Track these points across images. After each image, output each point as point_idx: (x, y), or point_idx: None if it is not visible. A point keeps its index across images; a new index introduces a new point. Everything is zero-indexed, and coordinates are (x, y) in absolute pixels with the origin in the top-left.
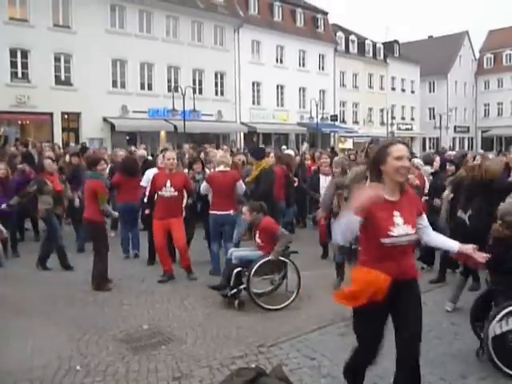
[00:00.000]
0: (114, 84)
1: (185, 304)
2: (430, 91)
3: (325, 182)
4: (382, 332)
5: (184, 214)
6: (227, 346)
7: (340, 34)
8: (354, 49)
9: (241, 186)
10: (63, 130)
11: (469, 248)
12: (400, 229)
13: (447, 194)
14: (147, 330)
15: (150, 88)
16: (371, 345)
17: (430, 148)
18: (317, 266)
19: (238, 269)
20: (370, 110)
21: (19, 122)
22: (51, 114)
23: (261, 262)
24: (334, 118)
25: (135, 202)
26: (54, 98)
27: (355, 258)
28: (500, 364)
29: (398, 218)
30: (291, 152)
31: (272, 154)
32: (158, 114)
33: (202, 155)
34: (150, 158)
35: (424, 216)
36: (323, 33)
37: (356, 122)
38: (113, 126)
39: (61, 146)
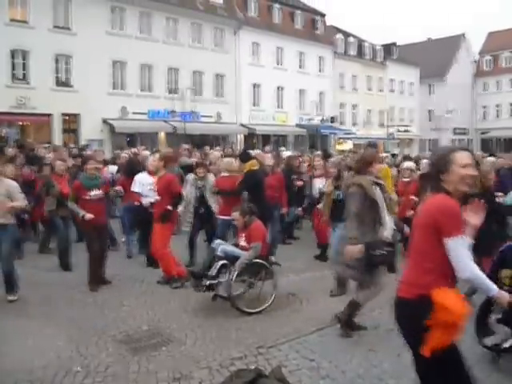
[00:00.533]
0: (114, 85)
1: (184, 305)
2: (429, 93)
3: (318, 183)
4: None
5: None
6: (226, 347)
7: (339, 36)
8: (352, 51)
9: None
10: (63, 131)
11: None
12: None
13: None
14: (147, 330)
15: (149, 89)
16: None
17: (428, 150)
18: (315, 267)
19: (224, 261)
20: (369, 111)
21: (19, 123)
22: (51, 116)
23: (245, 263)
24: (332, 119)
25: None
26: (54, 99)
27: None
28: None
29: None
30: (289, 153)
31: (269, 155)
32: (157, 115)
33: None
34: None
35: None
36: (322, 35)
37: (355, 124)
38: (112, 128)
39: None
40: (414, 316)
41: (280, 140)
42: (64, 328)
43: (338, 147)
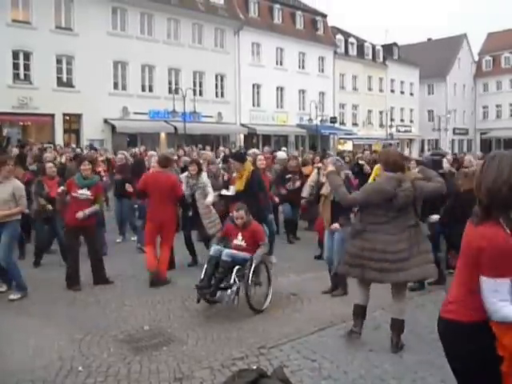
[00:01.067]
0: (115, 86)
1: (186, 305)
2: (429, 93)
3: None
4: None
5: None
6: (228, 347)
7: (339, 36)
8: (353, 51)
9: None
10: (64, 131)
11: None
12: None
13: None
14: (148, 330)
15: (150, 90)
16: None
17: (428, 150)
18: (316, 267)
19: (238, 266)
20: (370, 112)
21: (21, 124)
22: (53, 116)
23: (256, 263)
24: (333, 119)
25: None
26: (56, 99)
27: None
28: None
29: None
30: (284, 154)
31: (261, 157)
32: (158, 115)
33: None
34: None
35: None
36: (323, 35)
37: (355, 124)
38: (114, 128)
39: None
40: (472, 343)
41: (281, 140)
42: (66, 328)
43: (340, 147)
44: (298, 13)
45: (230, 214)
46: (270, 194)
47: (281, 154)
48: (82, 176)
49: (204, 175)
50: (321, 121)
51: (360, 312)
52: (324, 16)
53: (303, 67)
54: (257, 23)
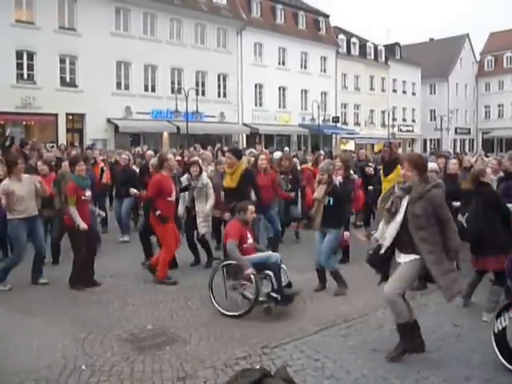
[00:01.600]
0: (118, 86)
1: (188, 304)
2: (431, 93)
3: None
4: None
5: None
6: (231, 347)
7: (342, 36)
8: (355, 51)
9: None
10: (68, 130)
11: None
12: None
13: None
14: (151, 330)
15: (153, 90)
16: None
17: (430, 149)
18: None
19: (267, 271)
20: (372, 111)
21: (24, 123)
22: (56, 115)
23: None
24: (335, 119)
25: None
26: (59, 99)
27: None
28: (502, 360)
29: None
30: (279, 154)
31: (263, 156)
32: (161, 115)
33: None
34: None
35: None
36: (325, 35)
37: (357, 124)
38: (116, 127)
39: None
40: None
41: (283, 140)
42: (69, 327)
43: (342, 147)
44: (301, 13)
45: (226, 215)
46: (281, 192)
47: (276, 155)
48: (79, 177)
49: (204, 176)
50: (323, 120)
51: None
52: (326, 16)
53: (305, 67)
54: (259, 23)
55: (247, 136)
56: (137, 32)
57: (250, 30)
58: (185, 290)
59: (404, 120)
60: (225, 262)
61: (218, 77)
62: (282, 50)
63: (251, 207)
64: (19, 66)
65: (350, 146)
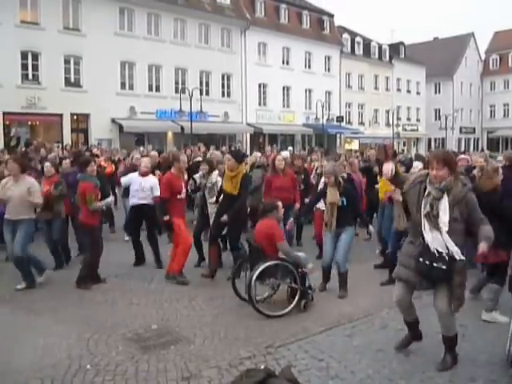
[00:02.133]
0: (123, 86)
1: (193, 304)
2: (436, 92)
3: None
4: None
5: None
6: (235, 347)
7: (346, 35)
8: (359, 50)
9: None
10: (72, 130)
11: None
12: None
13: None
14: (156, 329)
15: (157, 89)
16: None
17: (435, 148)
18: (317, 267)
19: (304, 269)
20: (376, 111)
21: (29, 123)
22: (61, 115)
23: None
24: (339, 119)
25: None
26: (64, 99)
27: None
28: None
29: None
30: (287, 154)
31: (280, 157)
32: (165, 115)
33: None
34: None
35: None
36: (329, 35)
37: (362, 123)
38: (121, 127)
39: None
40: None
41: (287, 139)
42: (74, 326)
43: (347, 146)
44: (305, 12)
45: (224, 218)
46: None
47: (284, 154)
48: (91, 177)
49: (215, 174)
50: (327, 120)
51: None
52: (330, 15)
53: (309, 66)
54: (263, 23)
55: (251, 136)
56: (141, 32)
57: (253, 30)
58: (189, 289)
59: (408, 119)
60: (266, 264)
61: (222, 76)
62: (285, 50)
63: (280, 204)
64: (24, 66)
65: (355, 145)
